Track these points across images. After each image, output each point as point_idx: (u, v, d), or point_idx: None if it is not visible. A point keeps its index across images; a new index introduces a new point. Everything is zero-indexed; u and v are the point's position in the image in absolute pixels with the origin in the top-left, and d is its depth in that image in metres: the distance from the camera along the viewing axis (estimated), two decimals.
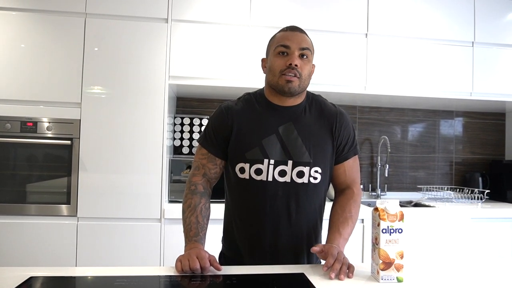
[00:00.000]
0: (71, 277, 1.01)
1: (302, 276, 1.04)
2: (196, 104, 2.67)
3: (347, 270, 1.03)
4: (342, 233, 1.14)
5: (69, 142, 2.05)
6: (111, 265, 2.04)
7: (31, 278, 0.98)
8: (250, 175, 1.15)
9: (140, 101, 2.11)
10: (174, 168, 2.23)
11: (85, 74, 2.09)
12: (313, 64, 1.21)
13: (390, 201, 1.04)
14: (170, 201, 2.23)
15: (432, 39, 2.46)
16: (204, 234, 1.14)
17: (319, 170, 1.17)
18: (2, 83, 2.05)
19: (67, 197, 2.06)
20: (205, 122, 2.46)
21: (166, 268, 1.08)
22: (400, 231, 1.02)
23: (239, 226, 1.22)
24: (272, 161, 1.14)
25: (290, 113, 1.19)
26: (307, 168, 1.15)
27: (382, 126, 2.90)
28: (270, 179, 1.15)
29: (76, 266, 2.04)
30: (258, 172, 1.15)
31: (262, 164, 1.14)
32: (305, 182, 1.16)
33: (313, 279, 1.01)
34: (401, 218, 1.03)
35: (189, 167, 2.28)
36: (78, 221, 2.06)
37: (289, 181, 1.16)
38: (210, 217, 1.20)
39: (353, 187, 1.23)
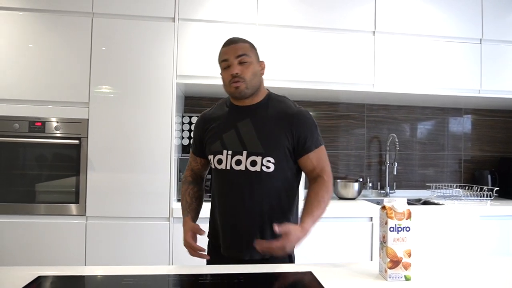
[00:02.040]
0: (79, 276, 1.02)
1: (309, 274, 1.04)
2: (205, 103, 2.67)
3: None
4: (313, 214, 1.25)
5: (77, 141, 2.07)
6: (120, 264, 2.05)
7: (39, 277, 0.99)
8: (214, 165, 1.36)
9: (148, 101, 2.12)
10: (183, 167, 2.24)
11: (93, 74, 2.10)
12: (261, 61, 1.38)
13: (397, 199, 1.04)
14: (179, 200, 2.23)
15: (439, 36, 2.44)
16: (193, 209, 1.43)
17: (272, 160, 1.29)
18: (10, 83, 2.07)
19: (76, 196, 2.08)
20: None
21: (173, 267, 1.08)
22: (407, 229, 1.01)
23: (215, 211, 1.41)
24: (229, 152, 1.31)
25: (248, 111, 1.35)
26: (260, 157, 1.29)
27: (390, 124, 2.88)
28: (228, 167, 1.31)
29: (85, 265, 2.06)
30: (219, 162, 1.33)
31: (222, 154, 1.32)
32: (257, 170, 1.29)
33: (321, 277, 1.01)
34: (409, 216, 1.02)
35: None
36: (87, 220, 2.08)
37: (244, 169, 1.30)
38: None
39: (323, 175, 1.33)
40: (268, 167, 1.29)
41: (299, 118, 1.32)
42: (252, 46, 1.38)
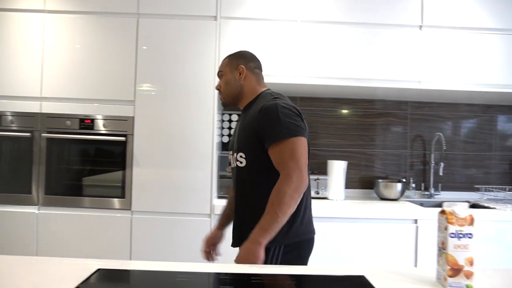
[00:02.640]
0: (137, 270, 1.05)
1: (363, 279, 1.01)
2: None
3: None
4: (260, 222, 1.24)
5: (123, 138, 2.13)
6: (163, 259, 2.11)
7: (99, 270, 1.02)
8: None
9: (190, 98, 2.15)
10: (222, 164, 2.26)
11: (138, 73, 2.16)
12: (239, 67, 1.46)
13: (458, 203, 0.99)
14: (219, 197, 2.26)
15: (489, 29, 2.30)
16: (224, 215, 1.65)
17: (243, 155, 1.37)
18: (62, 82, 2.16)
19: (122, 191, 2.15)
20: None
21: (225, 266, 1.09)
22: (470, 236, 0.96)
23: None
24: (230, 152, 1.47)
25: (243, 112, 1.49)
26: (235, 154, 1.40)
27: (434, 122, 2.76)
28: (232, 165, 1.45)
29: (130, 259, 2.13)
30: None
31: (229, 154, 1.48)
32: (237, 165, 1.40)
33: (375, 282, 0.98)
34: (471, 222, 0.97)
35: None
36: (132, 215, 2.15)
37: (235, 166, 1.43)
38: None
39: (282, 171, 1.28)
40: (241, 162, 1.38)
41: (262, 112, 1.31)
42: (230, 59, 1.51)
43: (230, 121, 2.44)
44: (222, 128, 2.43)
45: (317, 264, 2.03)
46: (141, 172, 2.14)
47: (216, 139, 2.23)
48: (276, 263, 1.29)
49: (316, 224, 2.05)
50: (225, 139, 2.43)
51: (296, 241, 1.35)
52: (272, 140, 1.28)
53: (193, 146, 2.15)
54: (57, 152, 2.17)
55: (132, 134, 2.15)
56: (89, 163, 2.19)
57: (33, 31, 2.17)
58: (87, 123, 2.16)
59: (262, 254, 1.21)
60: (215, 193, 2.18)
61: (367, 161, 2.72)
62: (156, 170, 2.14)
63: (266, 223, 1.23)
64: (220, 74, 1.51)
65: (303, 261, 1.39)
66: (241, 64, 1.47)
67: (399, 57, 2.27)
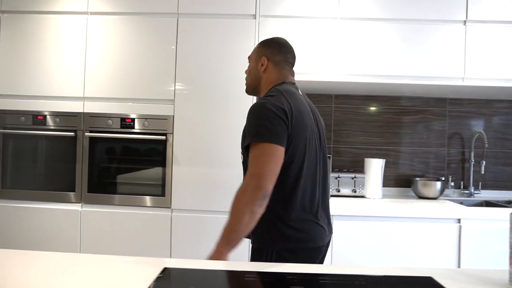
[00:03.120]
0: (203, 270, 1.05)
1: (431, 280, 1.00)
2: None
3: None
4: (222, 231, 1.22)
5: (163, 137, 2.16)
6: (203, 257, 2.12)
7: (166, 269, 1.04)
8: None
9: (229, 97, 2.16)
10: None
11: (178, 72, 2.18)
12: (262, 58, 1.40)
13: None
14: None
15: None
16: None
17: (241, 150, 1.36)
18: (104, 83, 2.20)
19: (162, 189, 2.18)
20: None
21: (291, 266, 1.09)
22: None
23: None
24: None
25: None
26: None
27: (474, 119, 2.69)
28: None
29: (170, 256, 2.15)
30: None
31: None
32: (242, 160, 1.39)
33: (445, 283, 0.97)
34: None
35: None
36: (172, 213, 2.17)
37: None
38: None
39: (246, 175, 1.24)
40: (242, 157, 1.37)
41: (249, 111, 1.29)
42: (259, 46, 1.45)
43: None
44: None
45: (358, 263, 2.03)
46: (180, 171, 2.17)
47: None
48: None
49: (354, 223, 2.07)
50: None
51: (290, 248, 1.27)
52: (247, 141, 1.25)
53: (231, 144, 2.16)
54: (99, 151, 2.22)
55: (172, 133, 2.17)
56: (130, 162, 2.23)
57: (76, 33, 2.22)
58: (128, 122, 2.19)
59: (225, 254, 1.21)
60: None
61: (404, 159, 2.68)
62: (195, 168, 2.16)
63: (225, 231, 1.20)
64: (248, 59, 1.47)
65: None
66: (266, 55, 1.40)
67: (442, 54, 2.22)
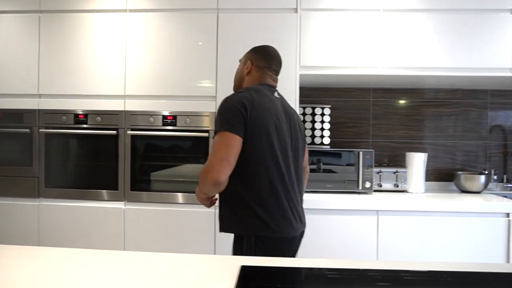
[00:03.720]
0: (281, 268, 1.04)
1: None
2: (317, 94, 2.64)
3: None
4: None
5: (206, 134, 2.15)
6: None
7: (243, 267, 1.02)
8: None
9: None
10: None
11: (219, 68, 2.16)
12: (248, 62, 1.53)
13: None
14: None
15: None
16: None
17: None
18: (145, 80, 2.20)
19: None
20: (327, 111, 2.43)
21: (371, 263, 1.06)
22: None
23: None
24: None
25: None
26: None
27: None
28: None
29: (214, 250, 2.15)
30: None
31: None
32: None
33: None
34: None
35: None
36: (215, 210, 2.16)
37: None
38: None
39: None
40: None
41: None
42: (249, 51, 1.58)
43: (304, 114, 2.41)
44: (305, 122, 2.40)
45: (405, 258, 2.00)
46: None
47: None
48: (250, 254, 1.33)
49: (398, 218, 2.04)
50: (308, 133, 2.41)
51: (265, 235, 1.37)
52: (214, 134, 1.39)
53: None
54: (141, 148, 2.22)
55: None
56: (172, 159, 2.22)
57: (116, 31, 2.22)
58: (169, 120, 2.19)
59: (200, 198, 1.47)
60: None
61: (444, 152, 2.62)
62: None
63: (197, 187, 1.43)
64: (239, 61, 1.61)
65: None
66: (251, 60, 1.54)
67: (488, 44, 2.16)
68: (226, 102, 1.38)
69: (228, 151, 1.31)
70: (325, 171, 2.29)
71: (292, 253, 1.48)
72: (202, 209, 2.15)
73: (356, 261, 1.07)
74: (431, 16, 2.16)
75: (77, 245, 2.22)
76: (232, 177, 1.34)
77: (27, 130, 2.26)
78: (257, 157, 1.36)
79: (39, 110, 2.27)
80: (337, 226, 2.09)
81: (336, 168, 2.30)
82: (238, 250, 1.41)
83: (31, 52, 2.27)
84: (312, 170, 2.27)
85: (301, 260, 1.09)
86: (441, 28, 2.16)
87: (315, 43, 2.15)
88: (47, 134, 2.26)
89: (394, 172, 2.37)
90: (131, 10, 2.22)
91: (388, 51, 2.17)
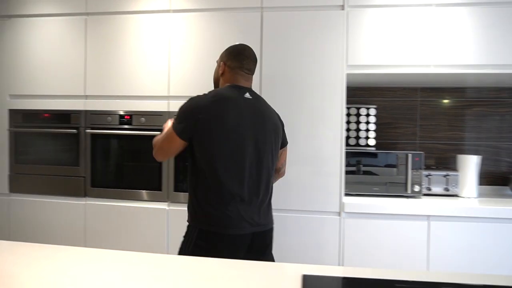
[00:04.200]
0: (344, 277, 0.99)
1: None
2: (361, 93, 2.56)
3: None
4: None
5: None
6: (293, 259, 2.08)
7: (305, 276, 0.98)
8: None
9: (316, 92, 2.08)
10: (348, 160, 2.17)
11: (264, 67, 2.12)
12: (221, 63, 1.63)
13: None
14: (347, 194, 2.18)
15: None
16: None
17: None
18: (188, 81, 2.19)
19: None
20: (372, 112, 2.34)
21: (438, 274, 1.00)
22: None
23: None
24: None
25: None
26: None
27: None
28: None
29: None
30: None
31: None
32: None
33: None
34: None
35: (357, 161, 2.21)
36: None
37: None
38: None
39: None
40: None
41: None
42: (223, 52, 1.65)
43: (348, 115, 2.34)
44: (349, 122, 2.33)
45: (459, 268, 1.90)
46: None
47: (344, 134, 2.14)
48: (190, 245, 1.48)
49: (450, 225, 1.94)
50: (352, 134, 2.33)
51: (206, 229, 1.47)
52: None
53: (319, 141, 2.08)
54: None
55: None
56: None
57: (159, 32, 2.23)
58: None
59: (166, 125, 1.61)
60: (344, 190, 2.09)
61: (497, 155, 2.48)
62: (286, 167, 2.10)
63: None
64: (216, 62, 1.70)
65: (205, 254, 1.28)
66: (224, 61, 1.62)
67: None
68: (186, 103, 1.51)
69: (169, 145, 1.53)
70: (366, 172, 2.21)
71: (247, 252, 1.51)
72: None
73: (419, 272, 1.00)
74: (485, 10, 2.03)
75: (121, 245, 2.25)
76: (191, 172, 1.53)
77: (74, 130, 2.31)
78: (206, 159, 1.47)
79: (85, 111, 2.31)
80: (385, 231, 2.02)
81: (380, 170, 2.21)
82: (184, 240, 1.54)
83: (78, 54, 2.32)
84: (351, 172, 2.20)
85: (363, 270, 1.04)
86: (495, 23, 2.02)
87: (363, 41, 2.08)
88: (93, 134, 2.30)
89: (445, 176, 2.26)
90: (174, 11, 2.22)
91: (442, 49, 2.05)
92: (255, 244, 1.53)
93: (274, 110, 1.67)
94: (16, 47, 2.41)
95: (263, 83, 2.12)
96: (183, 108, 1.50)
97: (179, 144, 1.50)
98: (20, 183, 2.40)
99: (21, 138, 2.41)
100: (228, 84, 1.57)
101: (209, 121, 1.45)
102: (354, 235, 2.05)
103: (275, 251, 2.09)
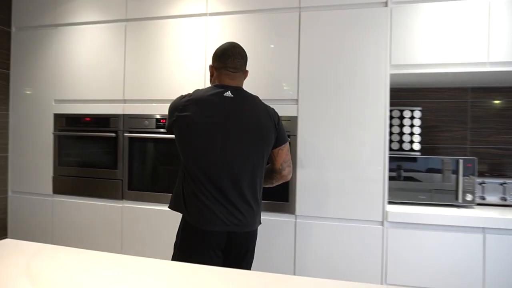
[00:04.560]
0: None
1: None
2: (404, 95, 2.42)
3: None
4: None
5: (288, 139, 2.04)
6: (331, 271, 1.97)
7: None
8: None
9: (358, 94, 1.97)
10: (391, 165, 2.04)
11: (301, 69, 2.05)
12: (210, 67, 1.68)
13: None
14: (390, 202, 2.04)
15: None
16: None
17: None
18: None
19: (285, 194, 2.06)
20: (416, 114, 2.19)
21: None
22: None
23: None
24: None
25: None
26: None
27: None
28: None
29: (294, 267, 2.03)
30: None
31: None
32: None
33: None
34: None
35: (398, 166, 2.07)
36: (296, 219, 2.05)
37: None
38: None
39: None
40: None
41: None
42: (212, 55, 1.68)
43: (401, 117, 2.20)
44: (392, 125, 2.20)
45: None
46: (305, 174, 2.03)
47: (388, 138, 2.02)
48: (179, 234, 1.56)
49: (506, 238, 1.75)
50: (395, 138, 2.20)
51: (188, 222, 1.52)
52: None
53: (361, 145, 1.97)
54: None
55: (296, 135, 2.05)
56: None
57: (196, 35, 2.22)
58: None
59: None
60: (387, 198, 1.96)
61: None
62: (321, 172, 2.01)
63: None
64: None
65: (195, 251, 1.50)
66: (212, 63, 1.66)
67: None
68: (170, 104, 1.61)
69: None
70: (407, 178, 2.06)
71: (225, 252, 1.55)
72: (281, 217, 2.06)
73: None
74: None
75: (158, 248, 2.24)
76: (180, 167, 1.60)
77: (113, 134, 2.34)
78: (183, 156, 1.55)
79: (123, 115, 2.35)
80: (433, 243, 1.86)
81: (422, 176, 2.06)
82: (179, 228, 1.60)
83: (118, 60, 2.36)
84: (391, 178, 2.06)
85: None
86: None
87: (409, 39, 1.95)
88: (130, 138, 2.32)
89: (501, 184, 2.06)
90: (211, 14, 2.20)
91: (500, 45, 1.88)
92: (233, 244, 1.55)
93: (266, 107, 1.63)
94: (61, 54, 2.50)
95: (301, 86, 2.05)
96: (169, 109, 1.61)
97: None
98: (62, 184, 2.48)
99: (63, 141, 2.48)
100: (216, 84, 1.62)
101: (182, 121, 1.52)
102: (398, 247, 1.91)
103: (311, 261, 2.00)
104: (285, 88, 2.07)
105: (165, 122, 1.64)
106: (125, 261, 1.09)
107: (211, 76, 1.67)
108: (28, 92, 2.59)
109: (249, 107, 1.58)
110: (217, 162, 1.51)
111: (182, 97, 1.59)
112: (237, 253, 1.56)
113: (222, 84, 1.60)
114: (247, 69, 1.69)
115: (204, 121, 1.50)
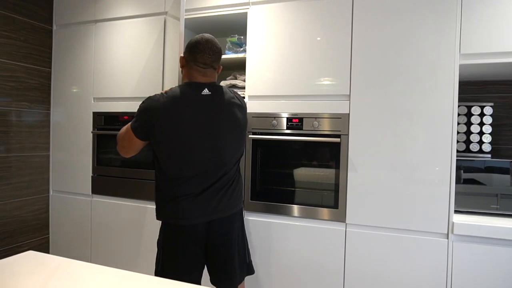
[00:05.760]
0: None
1: None
2: (472, 89, 2.14)
3: None
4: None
5: (337, 139, 1.84)
6: (383, 282, 1.76)
7: None
8: None
9: (420, 88, 1.74)
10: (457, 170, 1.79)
11: (354, 62, 1.84)
12: (180, 57, 1.63)
13: None
14: (457, 211, 1.80)
15: None
16: None
17: None
18: (268, 79, 1.99)
19: (335, 200, 1.87)
20: (487, 111, 1.92)
21: None
22: None
23: None
24: None
25: None
26: None
27: None
28: None
29: (344, 280, 1.84)
30: None
31: None
32: None
33: None
34: None
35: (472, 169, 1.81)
36: (346, 228, 1.85)
37: None
38: None
39: None
40: None
41: None
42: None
43: (468, 114, 1.94)
44: (457, 123, 1.94)
45: None
46: (357, 179, 1.83)
47: (455, 137, 1.76)
48: (161, 238, 1.58)
49: None
50: (461, 138, 1.94)
51: (166, 222, 1.56)
52: None
53: (422, 146, 1.73)
54: (261, 154, 2.02)
55: (347, 134, 1.85)
56: (296, 167, 1.98)
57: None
58: (295, 123, 1.95)
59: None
60: (453, 207, 1.72)
61: None
62: (376, 176, 1.80)
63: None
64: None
65: (170, 244, 1.54)
66: (184, 53, 1.60)
67: None
68: (143, 103, 1.52)
69: (128, 142, 1.56)
70: (467, 181, 1.80)
71: (207, 242, 1.57)
72: (329, 225, 1.87)
73: None
74: None
75: None
76: (155, 168, 1.58)
77: None
78: (161, 157, 1.51)
79: None
80: (510, 263, 1.60)
81: (487, 179, 1.79)
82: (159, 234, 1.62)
83: (156, 55, 2.26)
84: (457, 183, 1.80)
85: None
86: None
87: (482, 25, 1.68)
88: None
89: None
90: (253, 3, 2.04)
91: None
92: (212, 233, 1.56)
93: (236, 95, 1.62)
94: (100, 51, 2.44)
95: (353, 80, 1.84)
96: (140, 108, 1.51)
97: (138, 142, 1.54)
98: (100, 184, 2.42)
99: (102, 140, 2.43)
100: (187, 80, 1.57)
101: (162, 123, 1.47)
102: (466, 265, 1.66)
103: (361, 277, 1.80)
104: (336, 83, 1.87)
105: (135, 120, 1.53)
106: (150, 283, 0.96)
107: (182, 67, 1.62)
108: (74, 90, 2.56)
109: (225, 101, 1.56)
110: (205, 160, 1.51)
111: (157, 97, 1.51)
112: (216, 237, 1.56)
113: (195, 82, 1.55)
114: (220, 64, 1.64)
115: (189, 122, 1.48)
